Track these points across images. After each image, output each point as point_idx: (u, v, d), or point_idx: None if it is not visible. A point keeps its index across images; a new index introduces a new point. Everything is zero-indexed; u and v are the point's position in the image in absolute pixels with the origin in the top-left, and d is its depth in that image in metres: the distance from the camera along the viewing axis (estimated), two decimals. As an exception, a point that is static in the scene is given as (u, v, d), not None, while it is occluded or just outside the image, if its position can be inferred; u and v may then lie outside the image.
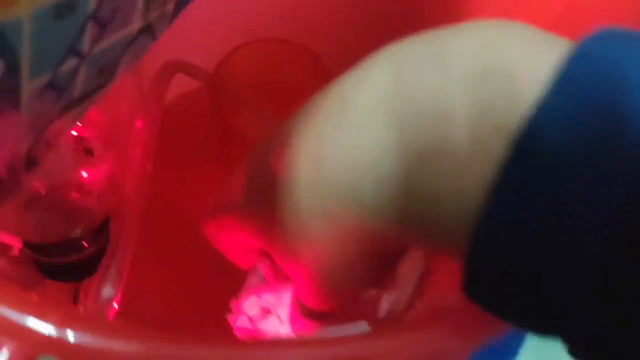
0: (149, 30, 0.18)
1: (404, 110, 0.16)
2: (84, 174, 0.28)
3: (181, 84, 0.41)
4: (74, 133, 0.28)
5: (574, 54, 0.13)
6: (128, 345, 0.17)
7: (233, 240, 0.29)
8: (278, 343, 0.21)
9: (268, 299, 0.31)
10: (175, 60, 0.39)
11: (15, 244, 0.26)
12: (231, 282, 0.40)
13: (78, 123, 0.24)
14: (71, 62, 0.15)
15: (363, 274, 0.21)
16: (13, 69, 0.13)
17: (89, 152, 0.30)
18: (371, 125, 0.16)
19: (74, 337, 0.16)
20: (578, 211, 0.13)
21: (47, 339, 0.16)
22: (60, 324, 0.16)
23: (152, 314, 0.38)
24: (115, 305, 0.26)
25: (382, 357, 0.18)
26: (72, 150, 0.29)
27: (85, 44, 0.15)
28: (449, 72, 0.15)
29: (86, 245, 0.30)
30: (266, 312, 0.30)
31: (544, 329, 0.15)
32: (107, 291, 0.26)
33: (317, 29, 0.44)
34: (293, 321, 0.28)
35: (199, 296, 0.40)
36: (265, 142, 0.22)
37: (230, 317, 0.28)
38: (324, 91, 0.19)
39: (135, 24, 0.17)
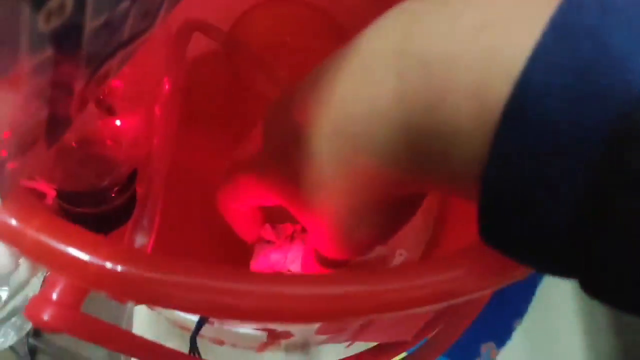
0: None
1: (413, 59, 0.17)
2: (112, 128, 0.29)
3: (198, 43, 0.41)
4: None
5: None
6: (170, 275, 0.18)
7: (242, 210, 0.30)
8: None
9: (275, 258, 0.32)
10: (193, 20, 0.39)
11: (50, 192, 0.26)
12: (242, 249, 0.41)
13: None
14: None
15: (380, 223, 0.22)
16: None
17: (114, 107, 0.30)
18: (383, 76, 0.17)
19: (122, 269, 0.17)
20: (563, 142, 0.14)
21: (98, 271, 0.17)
22: (111, 259, 0.17)
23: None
24: (147, 252, 0.27)
25: (402, 292, 0.19)
26: (100, 104, 0.29)
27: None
28: (457, 23, 0.16)
29: (114, 196, 0.30)
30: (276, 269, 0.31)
31: (551, 264, 0.16)
32: (140, 240, 0.27)
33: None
34: (307, 271, 0.30)
35: (218, 257, 0.41)
36: (284, 97, 0.23)
37: None
38: (342, 47, 0.20)
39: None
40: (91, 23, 0.15)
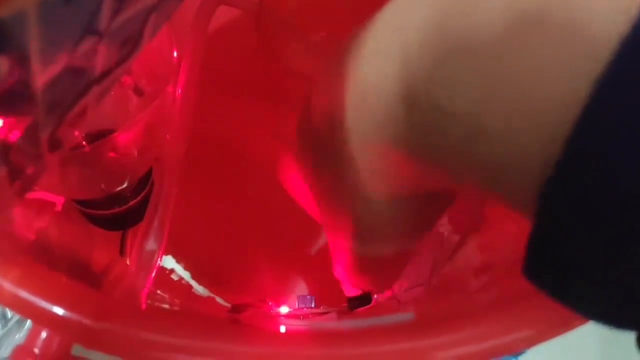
0: (175, -8, 0.16)
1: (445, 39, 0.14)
2: (124, 129, 0.27)
3: (225, 15, 0.38)
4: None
5: None
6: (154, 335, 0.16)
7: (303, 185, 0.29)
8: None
9: None
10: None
11: (58, 200, 0.25)
12: (273, 221, 0.40)
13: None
14: (89, 42, 0.14)
15: (403, 224, 0.20)
16: (21, 61, 0.12)
17: (125, 96, 0.29)
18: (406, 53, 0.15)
19: (102, 328, 0.16)
20: None
21: (78, 328, 0.16)
22: (91, 316, 0.16)
23: (197, 258, 0.38)
24: (159, 260, 0.26)
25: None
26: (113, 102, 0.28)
27: (103, 20, 0.14)
28: None
29: (129, 195, 0.29)
30: None
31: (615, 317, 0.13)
32: (150, 245, 0.26)
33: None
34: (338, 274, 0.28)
35: (242, 233, 0.40)
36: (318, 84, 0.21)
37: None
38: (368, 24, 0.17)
39: (159, -10, 0.15)
40: (44, 72, 0.13)
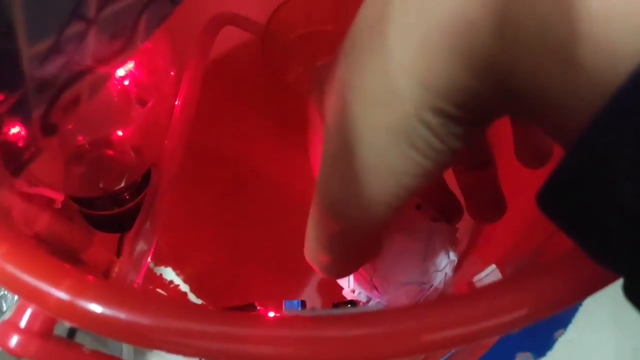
0: (166, -7, 0.18)
1: None
2: (122, 130, 0.29)
3: (232, 37, 0.40)
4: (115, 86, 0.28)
5: None
6: (134, 316, 0.17)
7: None
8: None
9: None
10: (224, 12, 0.38)
11: (58, 196, 0.26)
12: (267, 232, 0.40)
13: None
14: (77, 27, 0.15)
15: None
16: (8, 33, 0.13)
17: (128, 105, 0.30)
18: None
19: (85, 305, 0.17)
20: None
21: (60, 304, 0.17)
22: (72, 292, 0.17)
23: (196, 271, 0.39)
24: (149, 260, 0.27)
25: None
26: (113, 104, 0.29)
27: (91, 7, 0.15)
28: None
29: (128, 197, 0.30)
30: None
31: (604, 250, 0.14)
32: (141, 246, 0.27)
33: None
34: None
35: (238, 244, 0.41)
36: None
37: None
38: None
39: (148, -13, 0.16)
40: (30, 48, 0.14)
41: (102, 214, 0.30)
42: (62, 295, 0.17)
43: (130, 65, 0.28)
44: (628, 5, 0.11)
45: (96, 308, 0.17)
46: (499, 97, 0.15)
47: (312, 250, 0.21)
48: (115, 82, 0.28)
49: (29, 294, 0.17)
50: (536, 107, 0.14)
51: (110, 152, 0.29)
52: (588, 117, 0.12)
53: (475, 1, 0.14)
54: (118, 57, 0.18)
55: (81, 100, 0.18)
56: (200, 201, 0.41)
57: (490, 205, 0.27)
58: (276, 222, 0.41)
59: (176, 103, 0.31)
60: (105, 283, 0.19)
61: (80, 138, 0.29)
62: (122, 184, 0.30)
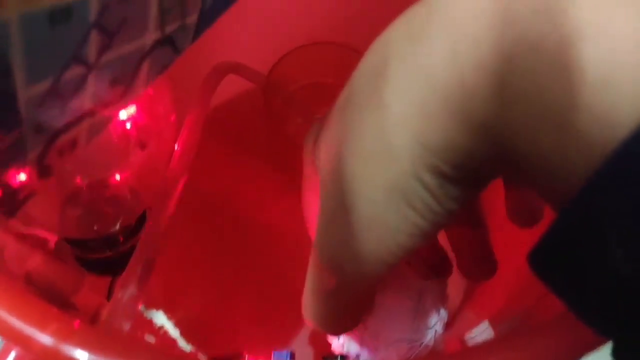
0: (169, 43, 0.18)
1: None
2: (120, 173, 0.29)
3: (234, 85, 0.41)
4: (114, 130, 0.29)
5: None
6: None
7: None
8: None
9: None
10: (227, 61, 0.39)
11: (51, 237, 0.26)
12: (261, 279, 0.40)
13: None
14: (76, 70, 0.15)
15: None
16: (4, 73, 0.13)
17: (127, 148, 0.30)
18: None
19: (69, 351, 0.16)
20: None
21: (45, 349, 0.17)
22: (57, 336, 0.16)
23: (187, 316, 0.38)
24: (139, 306, 0.26)
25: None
26: (113, 147, 0.29)
27: (91, 52, 0.15)
28: None
29: (122, 240, 0.30)
30: None
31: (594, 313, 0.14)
32: (130, 290, 0.26)
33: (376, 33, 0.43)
34: None
35: (231, 291, 0.40)
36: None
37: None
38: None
39: (151, 35, 0.17)
40: (28, 89, 0.14)
41: (95, 257, 0.30)
42: (46, 340, 0.17)
43: (131, 109, 0.29)
44: (624, 74, 0.12)
45: (81, 355, 0.17)
46: (495, 159, 0.15)
47: (309, 306, 0.21)
48: (116, 125, 0.29)
49: (13, 337, 0.17)
50: (530, 169, 0.14)
51: (106, 194, 0.29)
52: (582, 182, 0.12)
53: (472, 67, 0.14)
54: (118, 103, 0.18)
55: (78, 144, 0.18)
56: (194, 245, 0.41)
57: (480, 264, 0.27)
58: (270, 269, 0.41)
59: (176, 148, 0.31)
60: (91, 328, 0.19)
61: (78, 179, 0.29)
62: (117, 227, 0.30)
